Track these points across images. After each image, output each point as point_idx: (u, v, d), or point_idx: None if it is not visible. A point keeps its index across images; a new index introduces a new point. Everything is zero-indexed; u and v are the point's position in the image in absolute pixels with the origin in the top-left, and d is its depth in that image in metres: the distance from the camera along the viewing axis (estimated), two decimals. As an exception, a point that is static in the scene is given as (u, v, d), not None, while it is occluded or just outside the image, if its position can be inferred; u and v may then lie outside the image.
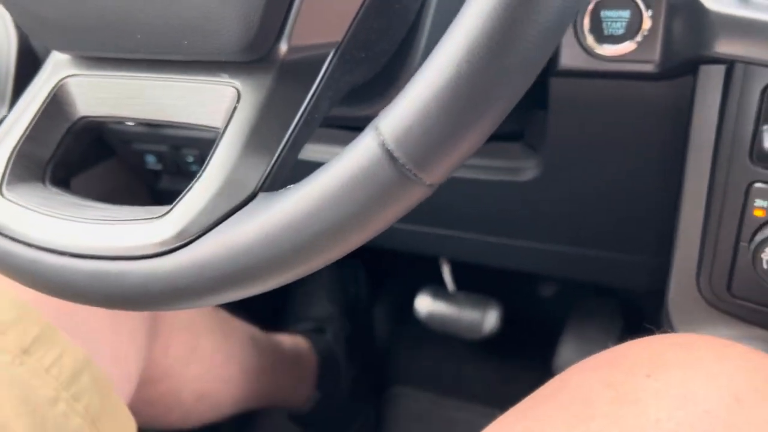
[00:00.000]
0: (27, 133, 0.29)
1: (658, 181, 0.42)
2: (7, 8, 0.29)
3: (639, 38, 0.37)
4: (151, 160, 0.62)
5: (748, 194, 0.35)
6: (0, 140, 0.29)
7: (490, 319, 0.87)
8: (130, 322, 0.44)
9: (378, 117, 0.21)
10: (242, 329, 0.71)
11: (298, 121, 0.26)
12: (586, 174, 0.47)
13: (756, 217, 0.35)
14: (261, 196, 0.24)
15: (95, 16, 0.26)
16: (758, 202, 0.34)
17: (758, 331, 0.39)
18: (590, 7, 0.38)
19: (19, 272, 0.26)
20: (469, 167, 0.53)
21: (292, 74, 0.27)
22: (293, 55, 0.26)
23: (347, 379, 0.93)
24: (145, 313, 0.47)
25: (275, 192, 0.23)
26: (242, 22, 0.24)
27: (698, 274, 0.39)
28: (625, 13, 0.37)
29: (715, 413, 0.25)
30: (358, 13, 0.26)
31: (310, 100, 0.26)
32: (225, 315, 0.68)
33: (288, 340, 0.86)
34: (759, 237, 0.34)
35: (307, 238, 0.21)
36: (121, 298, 0.24)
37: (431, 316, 0.91)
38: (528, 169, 0.51)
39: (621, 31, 0.37)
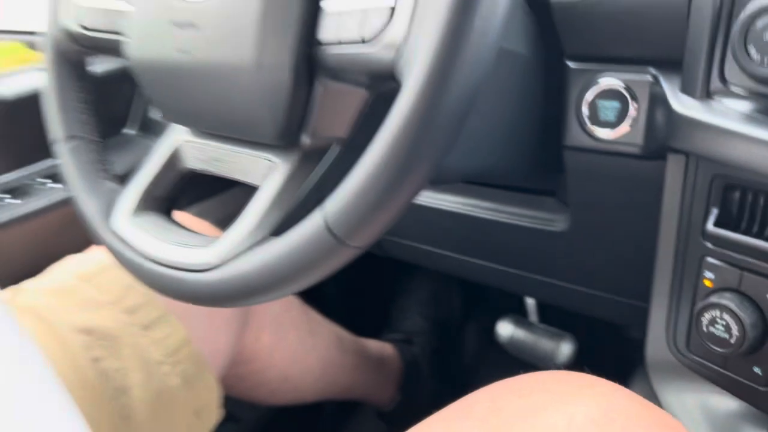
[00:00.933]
0: (152, 179, 0.44)
1: (653, 243, 0.47)
2: (152, 98, 0.45)
3: (627, 125, 0.43)
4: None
5: (700, 266, 0.40)
6: (134, 183, 0.45)
7: (564, 351, 0.92)
8: (224, 313, 0.60)
9: (327, 199, 0.32)
10: (329, 329, 0.84)
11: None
12: (604, 229, 0.53)
13: (705, 285, 0.39)
14: (269, 240, 0.36)
15: (199, 111, 0.41)
16: (707, 273, 0.39)
17: (712, 386, 0.43)
18: (590, 98, 0.45)
19: (135, 273, 0.42)
20: (514, 215, 0.61)
21: (311, 156, 0.39)
22: (312, 144, 0.38)
23: (428, 388, 1.03)
24: (238, 308, 0.63)
25: (275, 238, 0.35)
26: (272, 123, 0.37)
27: (667, 332, 0.44)
28: (616, 104, 0.43)
29: None
30: (356, 119, 0.38)
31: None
32: (314, 315, 0.82)
33: (375, 345, 0.98)
34: (700, 304, 0.39)
35: (276, 276, 0.33)
36: (186, 296, 0.38)
37: (510, 342, 0.98)
38: (560, 221, 0.57)
39: (613, 119, 0.44)
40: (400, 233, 0.75)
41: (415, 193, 0.31)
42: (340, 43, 0.33)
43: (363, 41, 0.31)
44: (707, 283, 0.40)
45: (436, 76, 0.28)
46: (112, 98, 0.73)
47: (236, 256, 0.36)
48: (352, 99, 0.37)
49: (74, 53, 0.48)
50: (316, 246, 0.31)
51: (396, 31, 0.30)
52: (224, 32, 0.36)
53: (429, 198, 0.66)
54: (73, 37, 0.47)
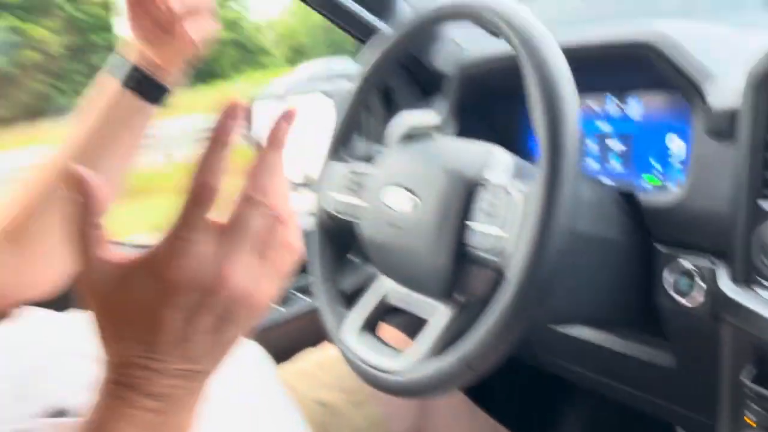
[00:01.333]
0: (367, 309, 0.74)
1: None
2: (371, 258, 0.75)
3: (698, 295, 0.61)
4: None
5: (744, 408, 0.55)
6: (356, 309, 0.75)
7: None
8: (409, 401, 0.87)
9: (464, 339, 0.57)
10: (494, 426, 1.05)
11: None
12: (701, 369, 0.69)
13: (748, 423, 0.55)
14: (431, 358, 0.62)
15: (398, 271, 0.70)
16: (749, 414, 0.55)
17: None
18: (671, 274, 0.64)
19: (353, 368, 0.70)
20: (630, 348, 0.79)
21: (463, 306, 0.65)
22: (462, 299, 0.64)
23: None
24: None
25: (435, 357, 0.61)
26: (438, 285, 0.63)
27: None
28: (690, 280, 0.62)
29: None
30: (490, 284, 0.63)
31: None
32: (481, 413, 1.04)
33: None
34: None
35: (436, 380, 0.58)
36: (383, 388, 0.66)
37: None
38: (669, 358, 0.74)
39: (688, 289, 0.63)
40: (559, 354, 0.94)
41: (520, 334, 0.54)
42: (476, 248, 0.59)
43: (493, 252, 0.57)
44: (749, 421, 0.55)
45: (526, 275, 0.52)
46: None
47: (414, 366, 0.62)
48: (485, 275, 0.62)
49: (329, 226, 0.81)
50: (457, 365, 0.56)
51: (506, 246, 0.55)
52: (415, 231, 0.65)
53: (575, 330, 0.85)
54: (329, 216, 0.81)
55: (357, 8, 0.88)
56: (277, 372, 0.85)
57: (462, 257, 0.62)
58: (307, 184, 0.98)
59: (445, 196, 0.62)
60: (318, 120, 0.98)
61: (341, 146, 0.81)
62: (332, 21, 0.90)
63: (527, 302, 0.53)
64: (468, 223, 0.61)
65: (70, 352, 0.57)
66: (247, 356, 0.77)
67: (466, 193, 0.61)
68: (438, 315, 0.65)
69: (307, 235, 0.80)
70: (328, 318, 0.77)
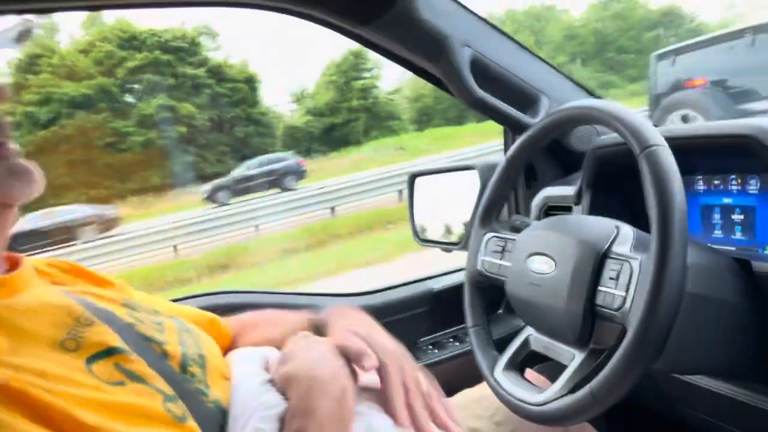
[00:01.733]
0: (513, 354, 0.92)
1: None
2: (516, 310, 0.94)
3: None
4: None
5: None
6: (506, 354, 0.93)
7: None
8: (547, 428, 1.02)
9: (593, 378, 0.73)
10: None
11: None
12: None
13: None
14: (567, 395, 0.78)
15: (538, 322, 0.88)
16: None
17: None
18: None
19: (504, 402, 0.88)
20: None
21: (595, 352, 0.80)
22: (594, 347, 0.80)
23: None
24: None
25: (571, 394, 0.77)
26: (573, 334, 0.80)
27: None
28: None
29: None
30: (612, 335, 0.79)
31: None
32: None
33: None
34: None
35: (570, 412, 0.75)
36: (529, 417, 0.83)
37: None
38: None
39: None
40: (686, 402, 1.04)
41: (638, 377, 0.69)
42: (604, 307, 0.76)
43: (617, 310, 0.73)
44: None
45: (643, 329, 0.68)
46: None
47: (552, 399, 0.79)
48: (612, 328, 0.78)
49: (480, 282, 1.01)
50: (587, 399, 0.73)
51: (628, 305, 0.71)
52: (553, 291, 0.82)
53: (699, 379, 0.96)
54: (480, 274, 1.01)
55: (504, 106, 1.11)
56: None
57: (592, 313, 0.78)
58: (460, 245, 1.20)
59: (578, 263, 0.80)
60: (467, 190, 1.20)
61: (490, 215, 1.01)
62: (480, 112, 1.13)
63: (644, 351, 0.69)
64: (598, 286, 0.77)
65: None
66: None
67: (595, 262, 0.79)
68: (572, 359, 0.81)
69: (461, 289, 1.01)
70: (480, 360, 0.96)
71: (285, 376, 0.68)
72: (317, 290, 1.33)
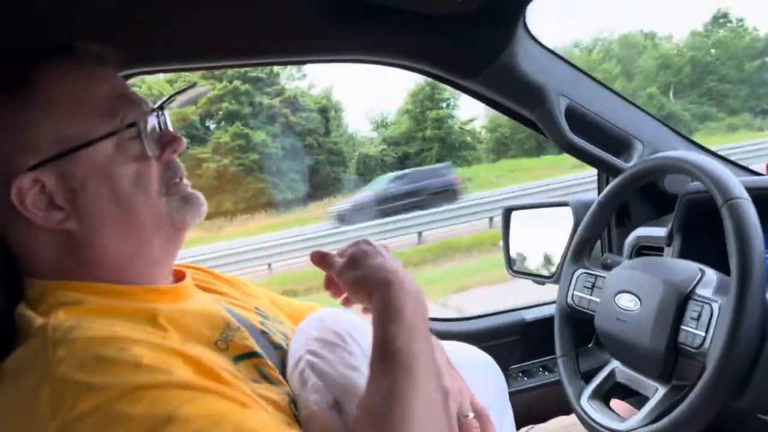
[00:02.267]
0: (599, 383, 1.03)
1: None
2: (603, 343, 1.05)
3: None
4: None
5: None
6: (592, 384, 1.04)
7: None
8: None
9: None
10: None
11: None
12: None
13: None
14: (649, 425, 0.88)
15: (621, 355, 0.99)
16: None
17: None
18: None
19: (590, 430, 0.99)
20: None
21: (676, 387, 0.90)
22: (675, 383, 0.90)
23: None
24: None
25: (652, 424, 0.87)
26: (657, 369, 0.90)
27: None
28: None
29: None
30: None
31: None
32: None
33: None
34: None
35: None
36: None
37: None
38: None
39: None
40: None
41: (716, 413, 0.79)
42: (686, 345, 0.86)
43: (697, 348, 0.84)
44: None
45: (720, 368, 0.78)
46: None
47: (635, 429, 0.89)
48: (693, 365, 0.88)
49: (569, 314, 1.13)
50: (667, 430, 0.83)
51: (708, 345, 0.82)
52: (638, 327, 0.93)
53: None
54: (569, 307, 1.12)
55: (597, 151, 1.24)
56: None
57: (674, 350, 0.89)
58: (552, 279, 1.32)
59: (663, 303, 0.91)
60: (561, 226, 1.32)
61: (582, 252, 1.13)
62: (574, 155, 1.26)
63: (721, 388, 0.79)
64: (681, 325, 0.88)
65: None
66: (505, 417, 1.08)
67: (679, 302, 0.89)
68: (655, 392, 0.92)
69: (552, 321, 1.13)
70: (567, 388, 1.07)
71: (359, 280, 0.74)
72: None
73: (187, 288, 0.82)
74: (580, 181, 10.14)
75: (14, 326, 0.69)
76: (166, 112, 0.80)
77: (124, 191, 0.72)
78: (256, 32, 1.04)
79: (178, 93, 0.84)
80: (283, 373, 0.76)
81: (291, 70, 22.05)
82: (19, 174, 0.69)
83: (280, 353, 0.81)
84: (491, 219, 10.37)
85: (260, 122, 20.22)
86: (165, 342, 0.64)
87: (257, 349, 0.76)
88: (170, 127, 0.80)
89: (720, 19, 24.81)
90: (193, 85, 0.87)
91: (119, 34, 0.92)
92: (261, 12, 0.98)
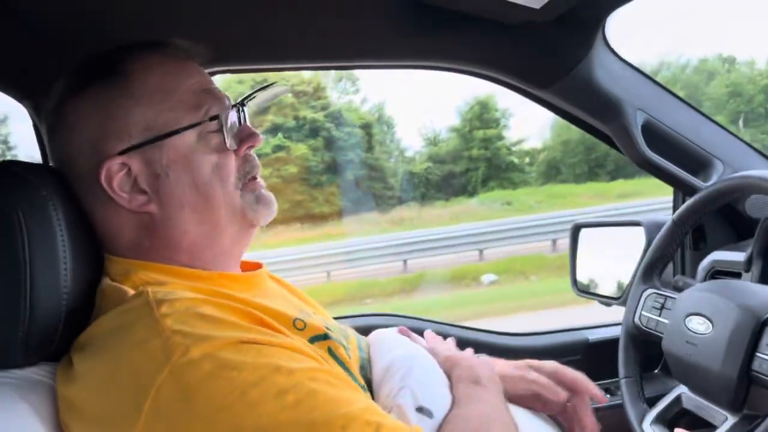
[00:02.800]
0: (663, 409, 1.04)
1: None
2: (671, 368, 1.05)
3: None
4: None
5: None
6: (655, 409, 1.04)
7: None
8: None
9: None
10: None
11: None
12: None
13: None
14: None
15: (690, 379, 1.00)
16: None
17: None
18: None
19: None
20: None
21: (747, 417, 0.90)
22: (747, 412, 0.90)
23: None
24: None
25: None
26: (727, 397, 0.91)
27: None
28: None
29: None
30: None
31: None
32: None
33: None
34: None
35: None
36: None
37: None
38: None
39: None
40: None
41: None
42: (761, 373, 0.86)
43: None
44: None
45: None
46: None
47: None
48: (767, 396, 0.88)
49: (635, 335, 1.14)
50: None
51: None
52: (709, 352, 0.94)
53: None
54: (636, 327, 1.13)
55: (674, 168, 1.25)
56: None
57: (748, 378, 0.89)
58: (620, 300, 1.32)
59: (737, 328, 0.91)
60: (631, 246, 1.33)
61: (653, 272, 1.15)
62: (649, 172, 1.28)
63: None
64: (756, 352, 0.88)
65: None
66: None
67: (754, 328, 0.89)
68: (724, 422, 0.92)
69: (616, 342, 1.14)
70: (629, 411, 1.08)
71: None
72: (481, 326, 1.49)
73: (263, 276, 0.89)
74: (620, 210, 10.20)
75: (93, 300, 0.77)
76: (246, 109, 0.87)
77: (203, 179, 0.79)
78: (333, 35, 1.11)
79: (260, 90, 0.90)
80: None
81: (345, 83, 22.37)
82: (109, 158, 0.76)
83: (342, 349, 0.84)
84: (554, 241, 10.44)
85: (303, 135, 20.55)
86: (255, 311, 0.71)
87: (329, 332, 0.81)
88: (249, 123, 0.87)
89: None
90: (272, 84, 0.93)
91: (208, 32, 1.00)
92: (338, 14, 1.05)
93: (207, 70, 1.10)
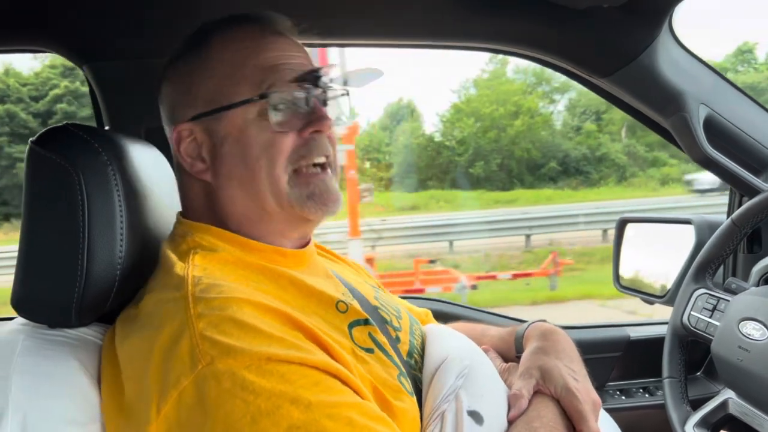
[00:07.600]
0: (709, 412, 1.02)
1: None
2: (718, 370, 1.03)
3: None
4: None
5: None
6: (698, 413, 1.03)
7: None
8: None
9: None
10: None
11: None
12: None
13: None
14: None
15: (741, 386, 0.97)
16: None
17: None
18: None
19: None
20: None
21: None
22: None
23: None
24: None
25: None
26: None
27: None
28: None
29: None
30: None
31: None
32: None
33: None
34: None
35: None
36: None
37: None
38: None
39: None
40: None
41: None
42: None
43: None
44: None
45: None
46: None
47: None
48: None
49: (682, 335, 1.11)
50: None
51: None
52: (761, 358, 0.91)
53: None
54: (684, 327, 1.11)
55: (735, 167, 1.20)
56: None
57: None
58: (664, 298, 1.30)
59: None
60: (679, 243, 1.30)
61: (705, 272, 1.11)
62: (708, 170, 1.24)
63: None
64: None
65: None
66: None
67: None
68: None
69: (658, 342, 1.13)
70: (671, 412, 1.06)
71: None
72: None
73: (311, 254, 0.89)
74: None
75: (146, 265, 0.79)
76: (335, 92, 0.85)
77: (252, 155, 0.79)
78: (410, 15, 1.13)
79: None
80: (393, 348, 0.81)
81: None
82: (181, 122, 0.82)
83: (391, 329, 0.86)
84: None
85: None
86: (292, 312, 0.70)
87: (369, 317, 0.80)
88: (327, 108, 0.84)
89: None
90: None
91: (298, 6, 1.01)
92: None
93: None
